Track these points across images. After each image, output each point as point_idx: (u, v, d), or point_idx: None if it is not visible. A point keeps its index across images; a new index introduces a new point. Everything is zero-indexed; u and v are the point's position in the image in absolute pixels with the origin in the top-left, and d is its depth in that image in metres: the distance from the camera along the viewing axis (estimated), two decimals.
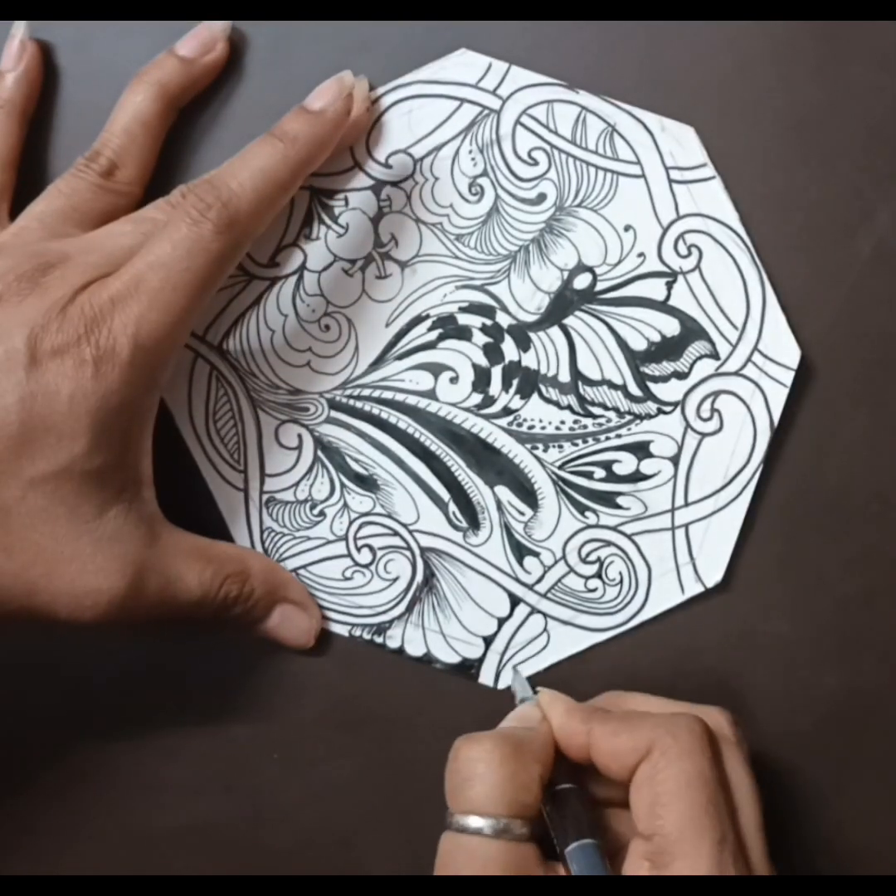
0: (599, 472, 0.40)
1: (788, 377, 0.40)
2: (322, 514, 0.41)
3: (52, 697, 0.41)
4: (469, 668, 0.41)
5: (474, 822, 0.33)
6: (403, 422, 0.40)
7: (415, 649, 0.41)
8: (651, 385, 0.40)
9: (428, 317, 0.40)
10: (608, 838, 0.35)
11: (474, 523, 0.41)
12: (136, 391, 0.35)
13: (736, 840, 0.33)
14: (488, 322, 0.40)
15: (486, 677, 0.41)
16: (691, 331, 0.40)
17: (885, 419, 0.40)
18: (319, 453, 0.40)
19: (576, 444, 0.40)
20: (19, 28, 0.40)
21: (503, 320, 0.40)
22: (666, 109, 0.40)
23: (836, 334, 0.40)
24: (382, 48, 0.40)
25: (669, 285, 0.40)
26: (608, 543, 0.40)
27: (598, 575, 0.41)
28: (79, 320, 0.34)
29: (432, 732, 0.41)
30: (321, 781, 0.41)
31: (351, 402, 0.40)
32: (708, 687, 0.40)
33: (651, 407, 0.40)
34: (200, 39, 0.39)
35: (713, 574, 0.40)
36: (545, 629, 0.41)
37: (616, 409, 0.40)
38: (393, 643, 0.41)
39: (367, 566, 0.41)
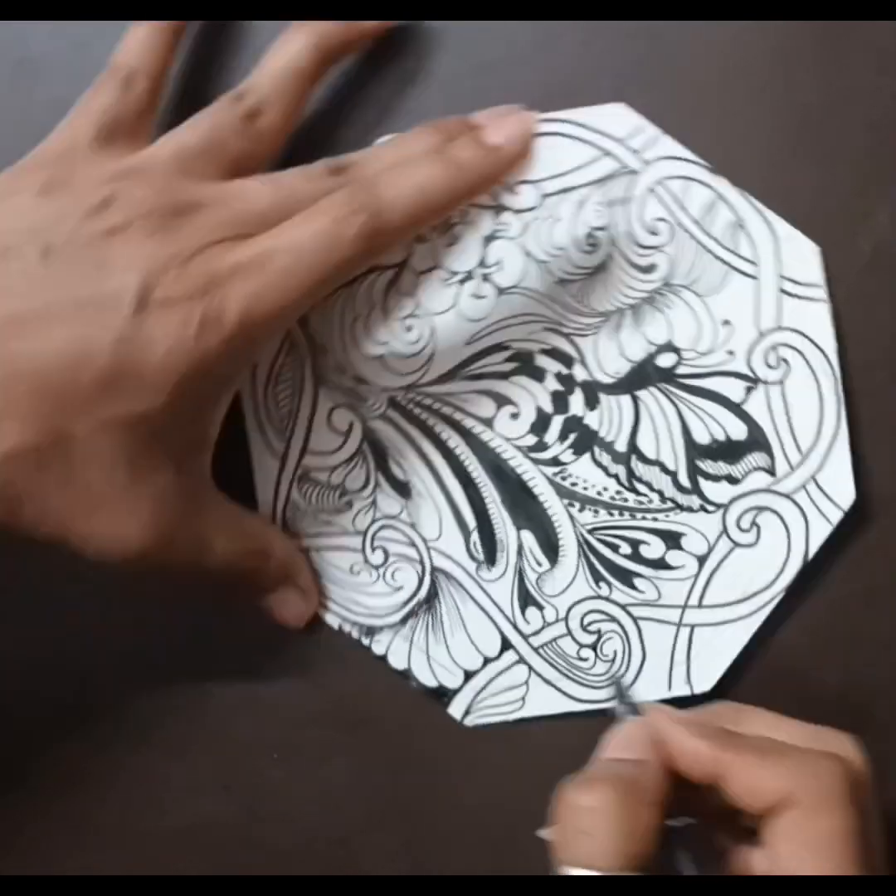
0: (626, 548, 0.40)
1: (837, 516, 0.40)
2: (349, 504, 0.41)
3: (52, 697, 0.41)
4: (443, 696, 0.41)
5: (586, 875, 0.31)
6: (454, 441, 0.41)
7: (397, 661, 0.41)
8: (702, 480, 0.40)
9: (508, 348, 0.40)
10: (720, 864, 0.34)
11: (491, 559, 0.41)
12: (228, 363, 0.35)
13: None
14: (564, 371, 0.40)
15: (455, 709, 0.41)
16: (756, 441, 0.40)
17: (888, 418, 0.40)
18: (365, 446, 0.41)
19: (611, 514, 0.40)
20: None
21: (579, 374, 0.40)
22: (666, 109, 0.40)
23: (836, 334, 0.40)
24: (382, 48, 0.40)
25: (749, 390, 0.40)
26: (612, 619, 0.40)
27: (594, 646, 0.40)
28: (198, 277, 0.33)
29: (432, 732, 0.41)
30: (321, 781, 0.41)
31: (410, 406, 0.41)
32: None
33: (695, 501, 0.40)
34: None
35: (704, 682, 0.40)
36: (526, 682, 0.41)
37: (660, 493, 0.40)
38: (378, 648, 0.41)
39: (376, 567, 0.41)
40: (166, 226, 0.34)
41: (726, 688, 0.40)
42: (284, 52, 0.38)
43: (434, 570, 0.41)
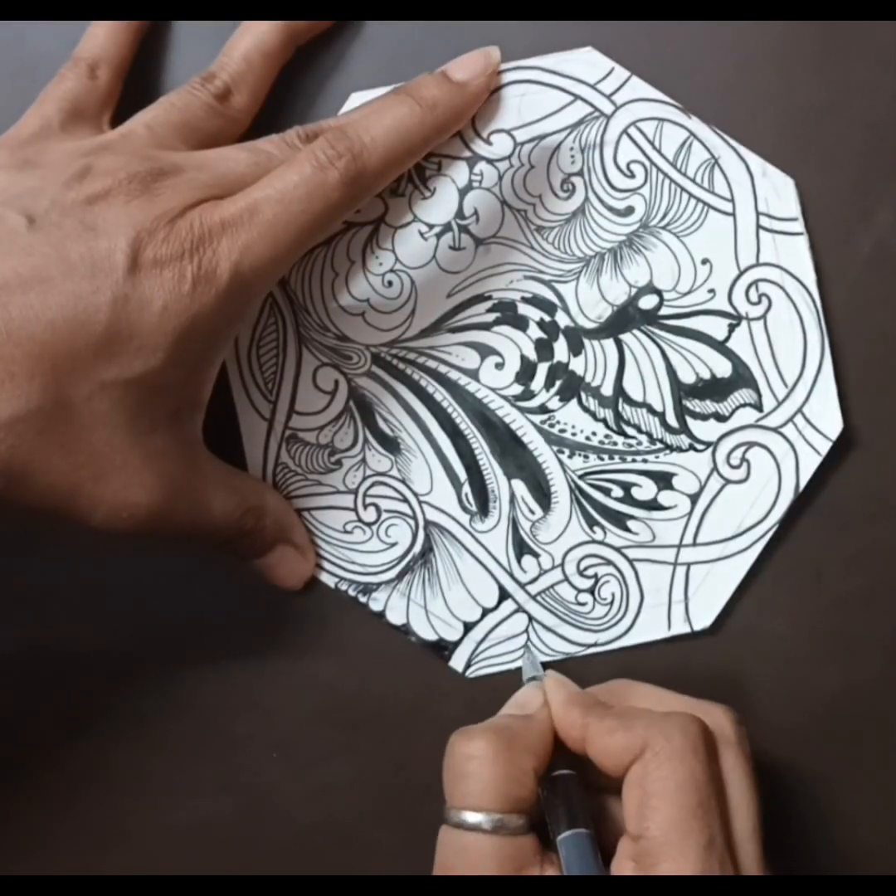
0: (617, 492, 0.40)
1: (825, 446, 0.40)
2: (339, 463, 0.41)
3: (51, 698, 0.41)
4: (443, 649, 0.41)
5: (470, 817, 0.33)
6: (440, 394, 0.40)
7: (396, 617, 0.41)
8: (689, 420, 0.40)
9: (489, 298, 0.40)
10: (606, 827, 0.35)
11: (484, 510, 0.41)
12: (224, 318, 0.35)
13: (725, 844, 0.32)
14: (547, 318, 0.40)
15: (457, 661, 0.41)
16: (741, 377, 0.40)
17: (887, 419, 0.40)
18: (351, 403, 0.41)
19: (601, 458, 0.40)
20: None
21: (561, 320, 0.40)
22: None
23: (835, 334, 0.40)
24: (383, 48, 0.40)
25: (732, 328, 0.40)
26: (608, 562, 0.40)
27: (591, 591, 0.41)
28: (186, 236, 0.33)
29: (431, 731, 0.40)
30: (320, 781, 0.41)
31: (395, 361, 0.40)
32: (708, 685, 0.40)
33: (684, 441, 0.40)
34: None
35: (703, 619, 0.40)
36: (526, 630, 0.41)
37: (649, 435, 0.40)
38: (376, 606, 0.41)
39: (369, 525, 0.41)
40: (147, 189, 0.34)
41: (723, 622, 0.40)
42: (252, 32, 0.38)
43: (427, 524, 0.41)
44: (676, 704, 0.35)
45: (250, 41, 0.38)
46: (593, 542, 0.40)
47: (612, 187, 0.40)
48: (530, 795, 0.34)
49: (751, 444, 0.40)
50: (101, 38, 0.39)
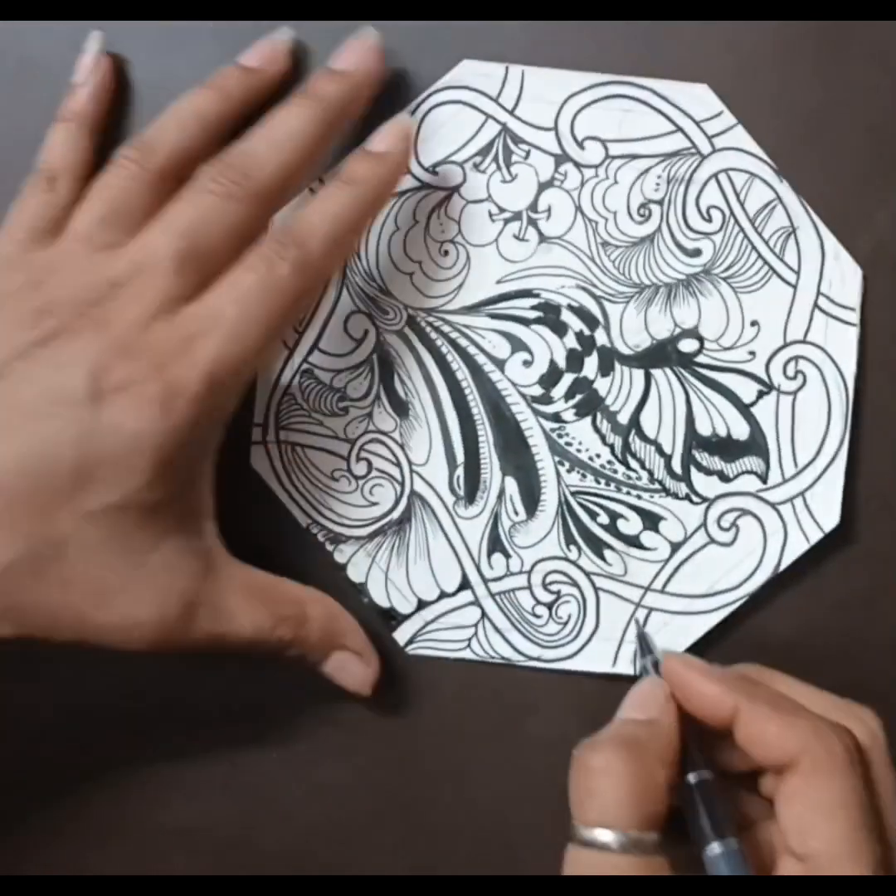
0: (604, 518, 0.40)
1: (816, 536, 0.40)
2: (346, 410, 0.41)
3: (52, 698, 0.41)
4: (392, 619, 0.41)
5: (600, 835, 0.32)
6: (462, 372, 0.40)
7: (355, 575, 0.41)
8: (694, 470, 0.40)
9: (537, 296, 0.40)
10: (737, 818, 0.34)
11: (471, 497, 0.41)
12: (203, 426, 0.35)
13: (892, 859, 0.32)
14: (586, 331, 0.40)
15: (401, 634, 0.41)
16: (756, 444, 0.40)
17: (881, 418, 0.40)
18: (375, 357, 0.41)
19: (598, 482, 0.40)
20: (94, 40, 0.40)
21: (600, 338, 0.40)
22: None
23: None
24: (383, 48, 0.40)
25: (761, 394, 0.40)
26: (574, 583, 0.40)
27: (550, 605, 0.41)
28: (148, 355, 0.34)
29: (432, 732, 0.41)
30: (320, 781, 0.41)
31: (428, 329, 0.40)
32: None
33: (682, 489, 0.40)
34: (262, 51, 0.39)
35: None
36: (476, 625, 0.41)
37: (651, 472, 0.40)
38: (340, 557, 0.41)
39: (357, 478, 0.41)
40: (95, 318, 0.34)
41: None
42: (188, 100, 0.38)
43: (412, 493, 0.41)
44: (823, 703, 0.35)
45: (187, 108, 0.38)
46: (566, 559, 0.40)
47: (687, 225, 0.40)
48: (664, 809, 0.33)
49: (745, 512, 0.40)
50: (59, 146, 0.39)
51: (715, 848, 0.33)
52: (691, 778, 0.34)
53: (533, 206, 0.40)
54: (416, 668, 0.41)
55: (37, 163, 0.39)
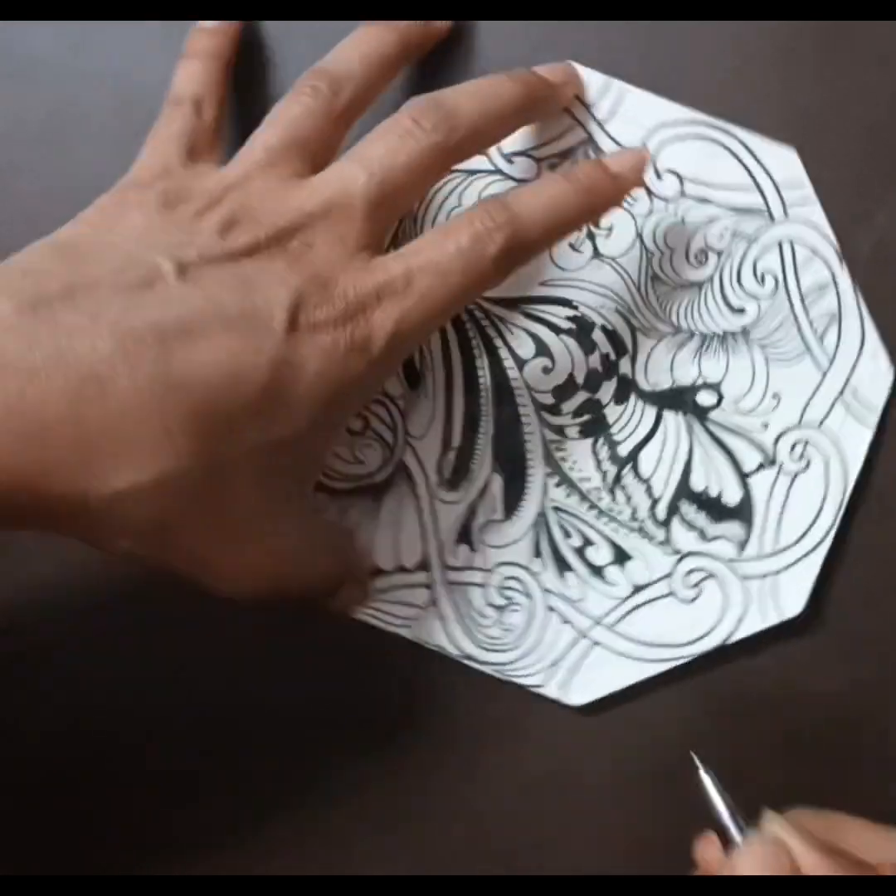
0: (576, 541, 0.40)
1: (774, 620, 0.40)
2: None
3: (52, 698, 0.41)
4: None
5: None
6: (481, 361, 0.40)
7: None
8: (675, 521, 0.40)
9: (575, 308, 0.40)
10: None
11: (454, 483, 0.41)
12: (374, 383, 0.35)
13: None
14: (613, 356, 0.40)
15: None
16: (743, 514, 0.40)
17: (888, 422, 0.40)
18: None
19: (581, 504, 0.40)
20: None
21: (623, 366, 0.40)
22: None
23: None
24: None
25: (761, 466, 0.40)
26: (528, 596, 0.40)
27: (499, 609, 0.40)
28: (341, 302, 0.33)
29: (432, 733, 0.41)
30: (321, 781, 0.41)
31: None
32: (706, 688, 0.40)
33: (659, 535, 0.40)
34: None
35: (575, 696, 0.40)
36: (422, 608, 0.41)
37: (634, 511, 0.40)
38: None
39: (351, 432, 0.41)
40: (288, 246, 0.33)
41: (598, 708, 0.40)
42: (371, 36, 0.37)
43: (400, 463, 0.41)
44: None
45: (370, 43, 0.37)
46: (528, 570, 0.40)
47: (740, 283, 0.40)
48: None
49: (713, 576, 0.40)
50: (200, 74, 0.37)
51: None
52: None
53: (596, 222, 0.40)
54: (417, 668, 0.41)
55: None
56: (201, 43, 0.38)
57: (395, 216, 0.36)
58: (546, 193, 0.36)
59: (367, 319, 0.33)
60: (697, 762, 0.34)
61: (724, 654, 0.40)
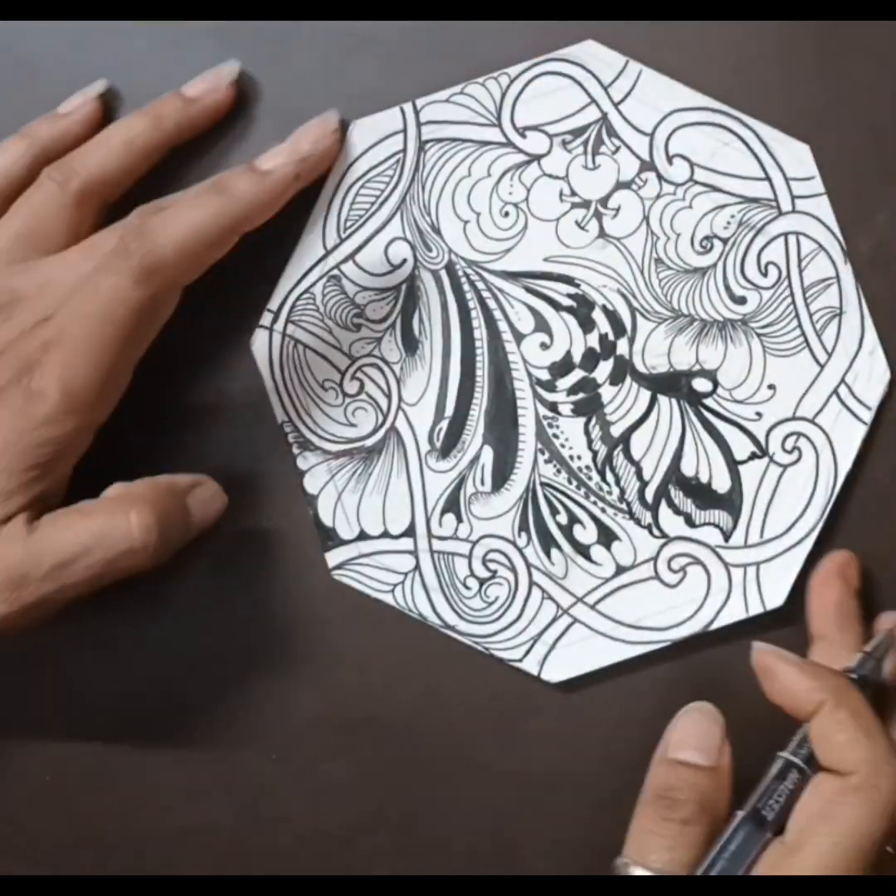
0: (563, 518, 0.40)
1: (756, 610, 0.40)
2: (358, 328, 0.41)
3: (52, 698, 0.41)
4: (329, 539, 0.41)
5: (634, 870, 0.34)
6: (480, 332, 0.41)
7: (311, 486, 0.41)
8: (663, 505, 0.40)
9: (577, 285, 0.40)
10: None
11: (445, 452, 0.41)
12: (62, 431, 0.35)
13: None
14: (611, 337, 0.40)
15: (333, 557, 0.41)
16: (731, 501, 0.40)
17: (882, 420, 0.40)
18: (404, 286, 0.41)
19: (570, 482, 0.40)
20: (99, 85, 0.40)
21: (621, 347, 0.40)
22: None
23: None
24: (382, 48, 0.40)
25: (753, 456, 0.40)
26: (512, 569, 0.40)
27: (482, 582, 0.40)
28: (13, 363, 0.35)
29: (432, 732, 0.41)
30: (320, 782, 0.41)
31: (463, 279, 0.41)
32: (706, 687, 0.40)
33: (647, 518, 0.40)
34: (206, 82, 0.39)
35: (553, 673, 0.40)
36: (406, 574, 0.41)
37: (622, 492, 0.40)
38: (302, 464, 0.41)
39: (345, 395, 0.41)
40: None
41: (575, 686, 0.40)
42: (118, 124, 0.39)
43: (392, 428, 0.41)
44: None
45: (116, 130, 0.39)
46: (513, 544, 0.40)
47: (743, 272, 0.40)
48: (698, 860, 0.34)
49: (697, 562, 0.40)
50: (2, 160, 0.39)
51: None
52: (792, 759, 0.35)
53: (604, 201, 0.40)
54: (417, 669, 0.41)
55: None
56: (39, 129, 0.39)
57: None
58: (188, 212, 0.36)
59: (41, 372, 0.35)
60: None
61: (704, 641, 0.40)
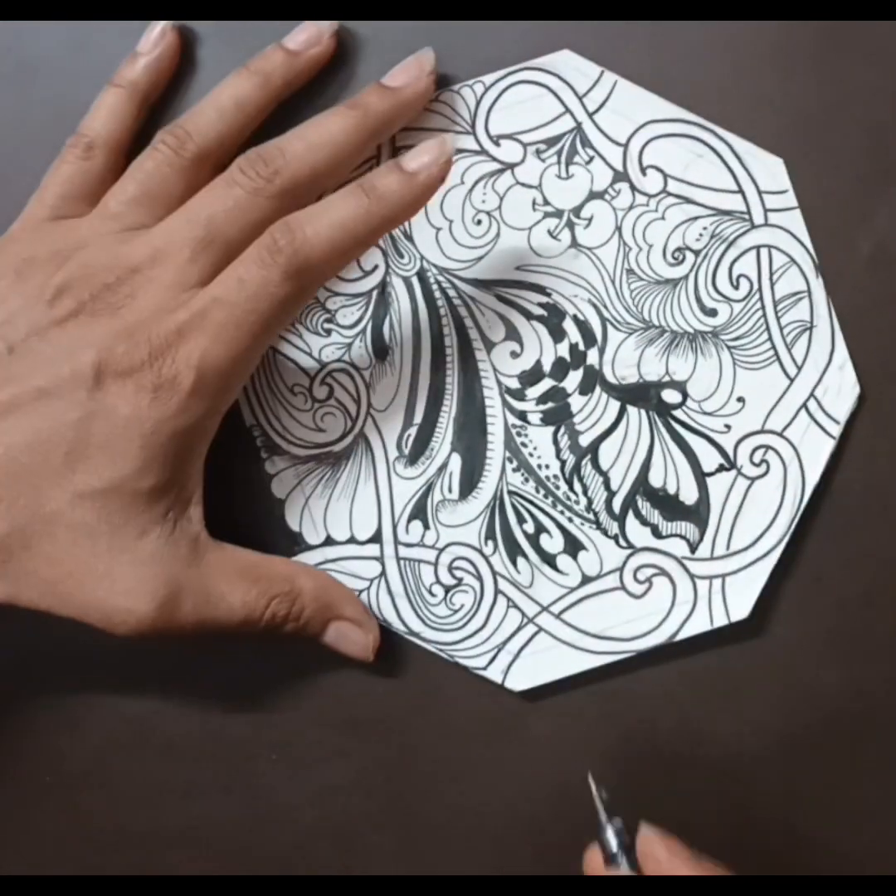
0: (529, 527, 0.40)
1: (721, 622, 0.40)
2: (328, 333, 0.41)
3: (52, 698, 0.41)
4: (295, 544, 0.41)
5: None
6: (450, 339, 0.41)
7: (278, 490, 0.41)
8: (630, 516, 0.40)
9: (548, 295, 0.40)
10: None
11: (413, 459, 0.41)
12: (193, 418, 0.36)
13: None
14: (582, 346, 0.40)
15: (300, 560, 0.41)
16: (698, 513, 0.40)
17: (883, 420, 0.40)
18: (374, 293, 0.41)
19: (538, 491, 0.40)
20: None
21: (591, 357, 0.40)
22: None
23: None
24: (383, 48, 0.40)
25: (721, 468, 0.40)
26: (478, 577, 0.40)
27: (448, 588, 0.40)
28: (144, 347, 0.35)
29: (431, 733, 0.41)
30: (320, 782, 0.41)
31: (435, 287, 0.41)
32: (705, 687, 0.40)
33: (613, 528, 0.40)
34: (307, 33, 0.39)
35: (517, 682, 0.40)
36: (371, 580, 0.41)
37: (590, 502, 0.40)
38: (270, 468, 0.41)
39: (314, 400, 0.41)
40: (110, 302, 0.36)
41: (541, 695, 0.40)
42: (228, 86, 0.39)
43: (361, 434, 0.41)
44: None
45: (226, 93, 0.38)
46: (480, 552, 0.40)
47: (714, 285, 0.40)
48: None
49: (663, 573, 0.40)
50: (103, 114, 0.39)
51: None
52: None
53: (577, 211, 0.40)
54: (417, 669, 0.41)
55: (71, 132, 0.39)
56: (127, 74, 0.40)
57: (229, 257, 0.36)
58: (335, 210, 0.36)
59: (173, 358, 0.35)
60: (591, 781, 0.36)
61: (668, 653, 0.40)
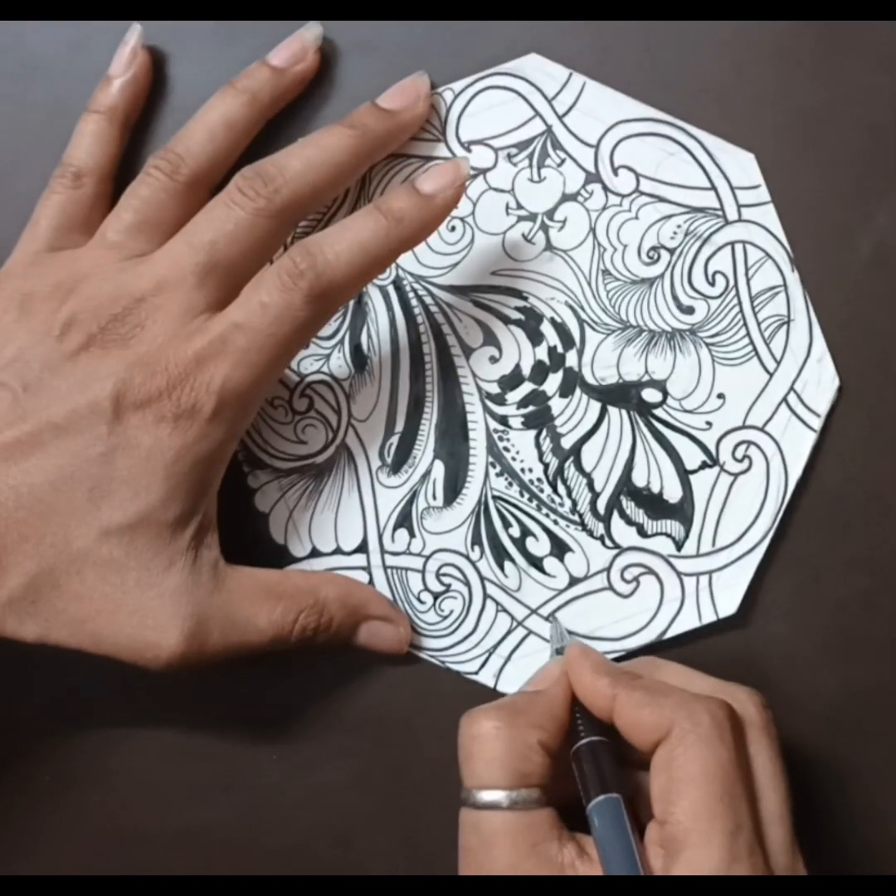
0: (515, 531, 0.40)
1: (709, 617, 0.40)
2: (307, 345, 0.41)
3: (52, 698, 0.41)
4: (281, 557, 0.41)
5: (481, 795, 0.34)
6: (429, 347, 0.41)
7: (262, 504, 0.41)
8: (615, 516, 0.40)
9: (525, 299, 0.40)
10: (641, 802, 0.35)
11: (396, 468, 0.41)
12: (214, 444, 0.36)
13: (753, 829, 0.32)
14: (560, 349, 0.40)
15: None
16: (682, 511, 0.40)
17: (883, 419, 0.40)
18: (352, 304, 0.41)
19: (522, 495, 0.40)
20: (133, 34, 0.39)
21: (570, 359, 0.40)
22: (665, 109, 0.40)
23: (833, 336, 0.40)
24: (382, 48, 0.40)
25: (704, 465, 0.40)
26: (466, 583, 0.40)
27: (436, 595, 0.41)
28: (162, 376, 0.35)
29: (431, 733, 0.41)
30: (320, 782, 0.41)
31: (411, 295, 0.41)
32: None
33: (599, 529, 0.40)
34: (291, 50, 0.39)
35: (506, 685, 0.40)
36: None
37: (574, 504, 0.40)
38: (253, 482, 0.41)
39: (295, 412, 0.41)
40: (120, 333, 0.35)
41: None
42: (216, 106, 0.38)
43: (342, 445, 0.41)
44: (704, 685, 0.35)
45: (215, 114, 0.38)
46: (467, 558, 0.40)
47: (690, 283, 0.40)
48: (539, 769, 0.34)
49: (650, 571, 0.40)
50: (86, 141, 0.39)
51: (596, 800, 0.33)
52: (582, 742, 0.35)
53: (550, 214, 0.40)
54: (416, 669, 0.41)
55: (52, 160, 0.39)
56: (103, 99, 0.39)
57: (234, 279, 0.36)
58: (354, 232, 0.36)
59: (191, 387, 0.35)
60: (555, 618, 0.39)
61: (657, 650, 0.40)
